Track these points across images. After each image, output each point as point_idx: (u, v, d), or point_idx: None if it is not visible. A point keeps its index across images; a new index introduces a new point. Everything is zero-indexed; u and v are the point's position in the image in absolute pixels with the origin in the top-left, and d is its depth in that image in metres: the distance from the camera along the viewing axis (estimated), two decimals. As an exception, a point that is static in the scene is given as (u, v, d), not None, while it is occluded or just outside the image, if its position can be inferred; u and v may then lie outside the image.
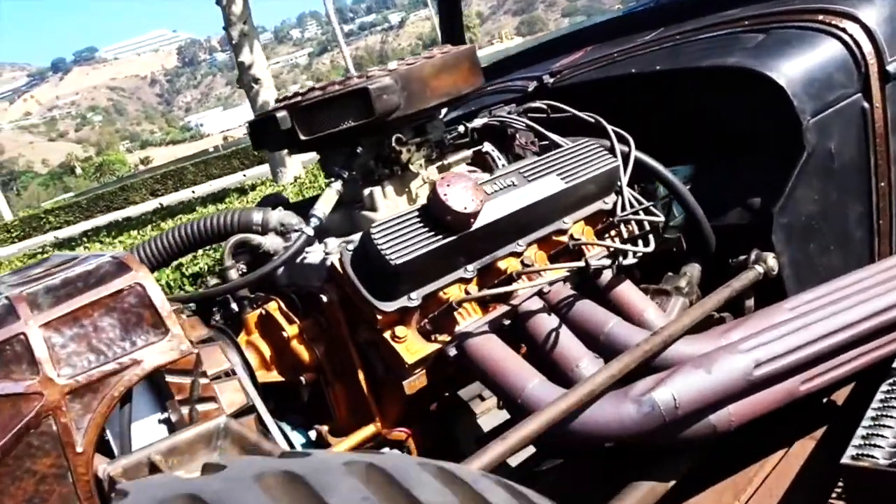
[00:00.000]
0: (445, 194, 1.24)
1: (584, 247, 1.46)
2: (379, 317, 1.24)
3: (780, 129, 1.54)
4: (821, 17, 1.66)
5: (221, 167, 32.82)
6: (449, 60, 1.50)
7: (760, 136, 1.61)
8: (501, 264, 1.38)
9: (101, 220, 22.12)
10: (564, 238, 1.47)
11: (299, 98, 1.44)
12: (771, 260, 1.49)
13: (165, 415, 1.06)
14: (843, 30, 1.62)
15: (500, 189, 1.39)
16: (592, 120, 1.69)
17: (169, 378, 1.07)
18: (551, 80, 2.00)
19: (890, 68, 1.63)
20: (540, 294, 1.39)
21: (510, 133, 1.74)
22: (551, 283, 1.39)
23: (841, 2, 1.68)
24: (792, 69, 1.55)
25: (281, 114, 1.42)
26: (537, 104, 1.79)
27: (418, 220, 1.27)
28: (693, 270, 1.62)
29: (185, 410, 1.08)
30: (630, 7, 3.12)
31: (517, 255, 1.40)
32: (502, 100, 2.02)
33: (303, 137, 1.42)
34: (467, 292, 1.33)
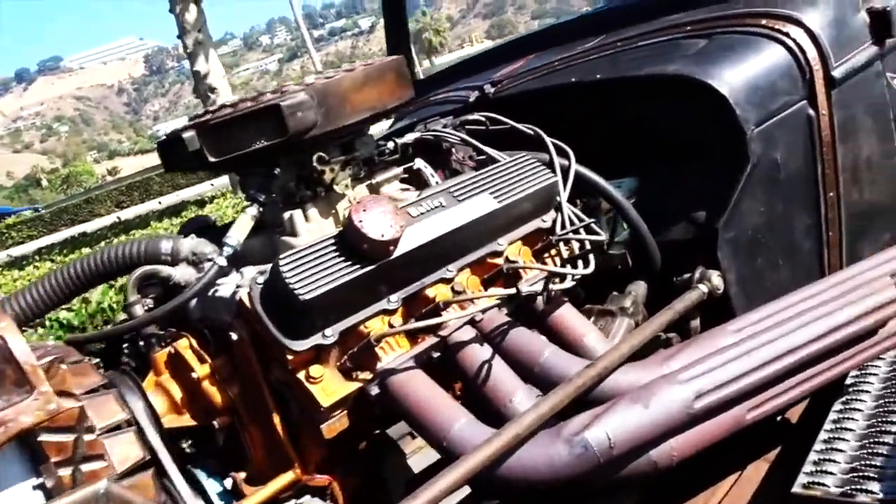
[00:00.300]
0: (361, 220, 1.15)
1: (519, 270, 1.37)
2: (290, 357, 1.13)
3: (724, 140, 1.48)
4: (764, 22, 1.59)
5: (188, 177, 32.21)
6: (371, 73, 1.40)
7: (703, 147, 1.54)
8: (430, 292, 1.28)
9: (65, 233, 21.59)
10: (499, 260, 1.38)
11: (209, 116, 1.33)
12: (715, 278, 1.41)
13: (40, 480, 0.95)
14: (787, 34, 1.56)
15: (427, 211, 1.29)
16: (531, 132, 1.60)
17: (45, 438, 0.95)
18: (492, 91, 1.91)
19: (835, 73, 1.58)
20: (472, 323, 1.29)
21: (445, 148, 1.65)
22: (484, 311, 1.29)
23: (784, 5, 1.62)
24: (734, 77, 1.48)
25: (188, 134, 1.31)
26: (475, 116, 1.70)
27: (333, 249, 1.17)
28: (638, 289, 1.54)
29: (65, 473, 0.97)
30: (597, 9, 3.05)
31: (447, 281, 1.30)
32: (442, 111, 1.92)
33: (212, 159, 1.31)
34: (391, 325, 1.23)
